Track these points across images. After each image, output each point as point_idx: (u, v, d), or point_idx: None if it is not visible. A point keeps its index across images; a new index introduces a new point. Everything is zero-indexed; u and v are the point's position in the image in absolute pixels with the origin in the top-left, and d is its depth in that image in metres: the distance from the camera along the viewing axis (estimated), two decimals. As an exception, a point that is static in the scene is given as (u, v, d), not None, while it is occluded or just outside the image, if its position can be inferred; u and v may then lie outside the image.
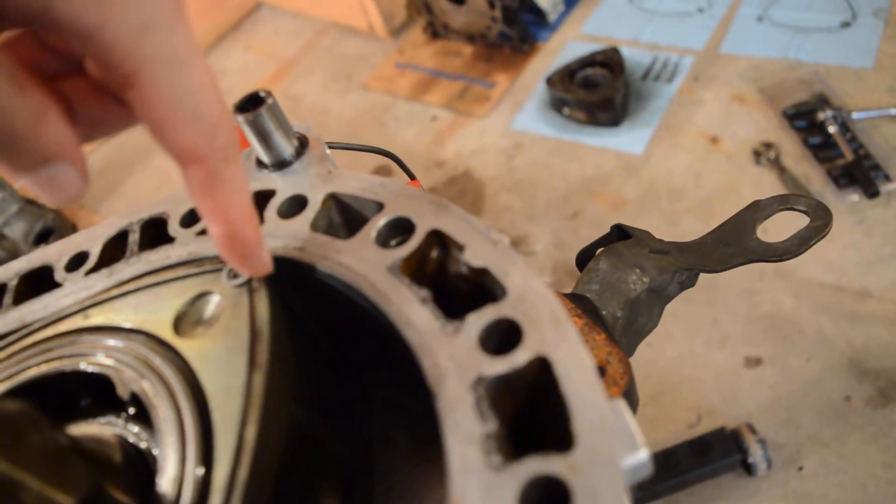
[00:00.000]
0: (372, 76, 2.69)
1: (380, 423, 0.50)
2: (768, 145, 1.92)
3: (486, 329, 0.34)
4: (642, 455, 0.32)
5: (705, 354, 1.70)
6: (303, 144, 0.48)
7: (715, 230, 0.70)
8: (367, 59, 2.80)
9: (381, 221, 0.41)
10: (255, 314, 0.39)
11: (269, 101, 0.45)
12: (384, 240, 0.41)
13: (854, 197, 1.73)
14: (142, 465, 0.39)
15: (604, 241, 0.68)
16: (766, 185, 1.87)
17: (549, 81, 2.23)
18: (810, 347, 1.65)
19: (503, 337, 0.34)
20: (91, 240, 0.50)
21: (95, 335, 0.43)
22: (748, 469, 1.48)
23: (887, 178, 1.73)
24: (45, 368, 0.43)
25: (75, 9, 0.28)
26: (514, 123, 2.34)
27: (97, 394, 0.44)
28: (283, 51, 3.05)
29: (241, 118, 0.46)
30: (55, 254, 0.51)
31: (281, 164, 0.48)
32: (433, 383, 0.33)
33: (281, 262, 0.41)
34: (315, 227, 0.43)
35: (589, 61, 2.23)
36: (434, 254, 0.40)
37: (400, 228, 0.41)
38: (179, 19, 0.30)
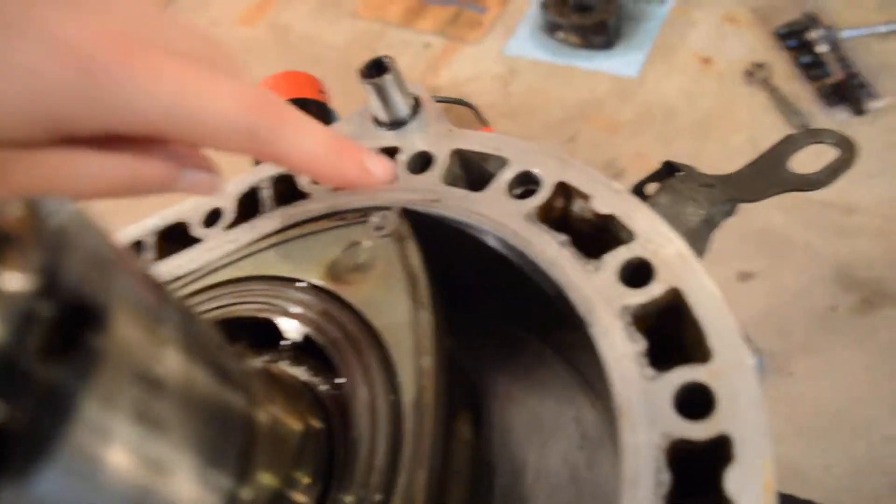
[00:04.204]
0: (361, 3, 2.67)
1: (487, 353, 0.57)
2: (760, 65, 1.98)
3: (622, 266, 0.41)
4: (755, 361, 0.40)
5: (702, 270, 1.79)
6: (417, 104, 0.54)
7: (751, 163, 0.77)
8: (355, -15, 2.77)
9: (509, 175, 0.47)
10: (407, 260, 0.46)
11: (393, 67, 0.50)
12: (512, 192, 0.47)
13: (843, 115, 1.81)
14: (312, 394, 0.46)
15: (655, 177, 0.75)
16: (758, 105, 1.94)
17: (544, 5, 2.24)
18: (800, 261, 1.76)
19: (637, 272, 0.41)
20: (222, 197, 0.56)
21: (252, 284, 0.49)
22: (745, 375, 1.58)
23: (874, 96, 1.81)
24: (211, 316, 0.49)
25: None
26: (507, 49, 2.36)
27: (253, 338, 0.50)
28: (266, -22, 3.00)
29: (367, 83, 0.51)
30: (189, 210, 0.56)
31: (398, 123, 0.53)
32: (585, 313, 0.40)
33: (420, 214, 0.48)
34: (445, 181, 0.49)
35: (582, -15, 2.24)
36: (558, 203, 0.46)
37: (526, 181, 0.47)
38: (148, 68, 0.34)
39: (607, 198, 0.44)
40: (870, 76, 1.85)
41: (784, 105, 1.88)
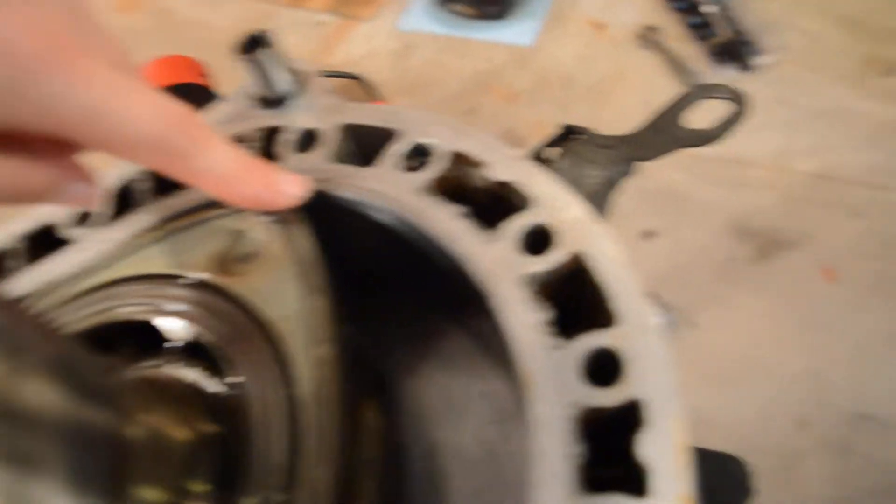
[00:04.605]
0: (247, -18, 2.57)
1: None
2: (651, 28, 2.01)
3: (522, 234, 0.40)
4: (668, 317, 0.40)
5: (607, 232, 1.83)
6: (301, 80, 0.51)
7: (648, 122, 0.77)
8: (239, -36, 2.67)
9: (402, 147, 0.45)
10: (297, 246, 0.43)
11: (272, 41, 0.47)
12: (406, 164, 0.45)
13: (731, 72, 1.87)
14: (202, 398, 0.43)
15: (554, 141, 0.74)
16: (651, 68, 1.97)
17: (435, -22, 2.21)
18: (698, 216, 1.81)
19: (537, 239, 0.40)
20: (93, 191, 0.51)
21: (132, 285, 0.46)
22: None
23: (759, 53, 1.87)
24: (86, 323, 0.45)
25: None
26: (401, 23, 2.32)
27: (137, 342, 0.47)
28: (143, -40, 2.84)
29: (244, 59, 0.47)
30: (57, 211, 0.51)
31: (281, 101, 0.50)
32: (484, 285, 0.39)
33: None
34: (334, 158, 0.46)
35: (473, -45, 2.22)
36: (454, 173, 0.45)
37: (419, 152, 0.45)
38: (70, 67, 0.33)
39: (504, 165, 0.43)
40: (755, 34, 1.91)
41: (676, 66, 1.93)
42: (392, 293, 0.53)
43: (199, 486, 0.37)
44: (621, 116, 1.93)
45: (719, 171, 1.84)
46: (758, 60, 1.87)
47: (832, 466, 1.50)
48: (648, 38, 2.00)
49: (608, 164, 0.67)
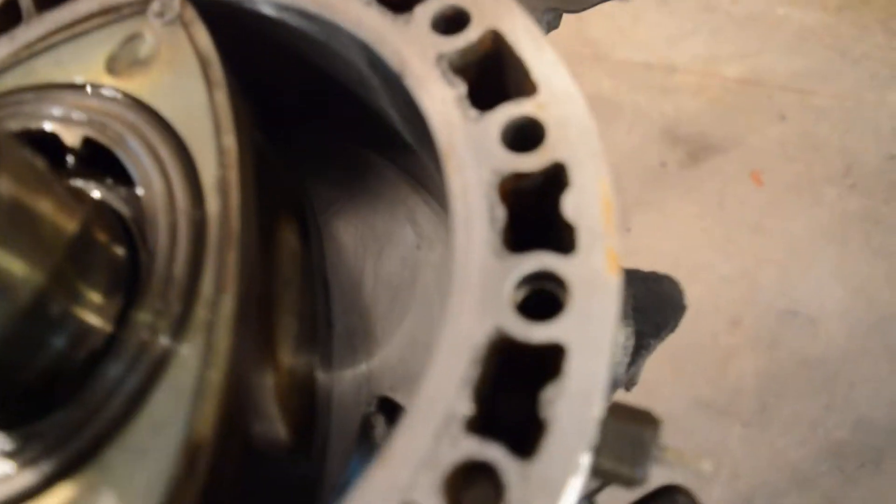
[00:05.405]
0: None
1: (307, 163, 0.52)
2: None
3: (435, 15, 0.37)
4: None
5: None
6: None
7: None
8: None
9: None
10: (196, 43, 0.40)
11: None
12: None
13: (658, -23, 1.86)
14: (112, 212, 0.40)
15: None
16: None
17: None
18: (629, 122, 1.82)
19: (452, 21, 0.38)
20: (-30, 12, 0.46)
21: (19, 96, 0.42)
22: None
23: (685, -43, 1.87)
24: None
25: None
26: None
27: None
28: None
29: None
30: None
31: None
32: (398, 67, 0.37)
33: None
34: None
35: None
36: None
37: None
38: None
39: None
40: (679, -62, 1.91)
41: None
42: (309, 124, 0.50)
43: (94, 296, 0.35)
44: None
45: (649, 77, 1.84)
46: (684, -34, 1.86)
47: (762, 361, 1.55)
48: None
49: (528, 11, 0.65)
